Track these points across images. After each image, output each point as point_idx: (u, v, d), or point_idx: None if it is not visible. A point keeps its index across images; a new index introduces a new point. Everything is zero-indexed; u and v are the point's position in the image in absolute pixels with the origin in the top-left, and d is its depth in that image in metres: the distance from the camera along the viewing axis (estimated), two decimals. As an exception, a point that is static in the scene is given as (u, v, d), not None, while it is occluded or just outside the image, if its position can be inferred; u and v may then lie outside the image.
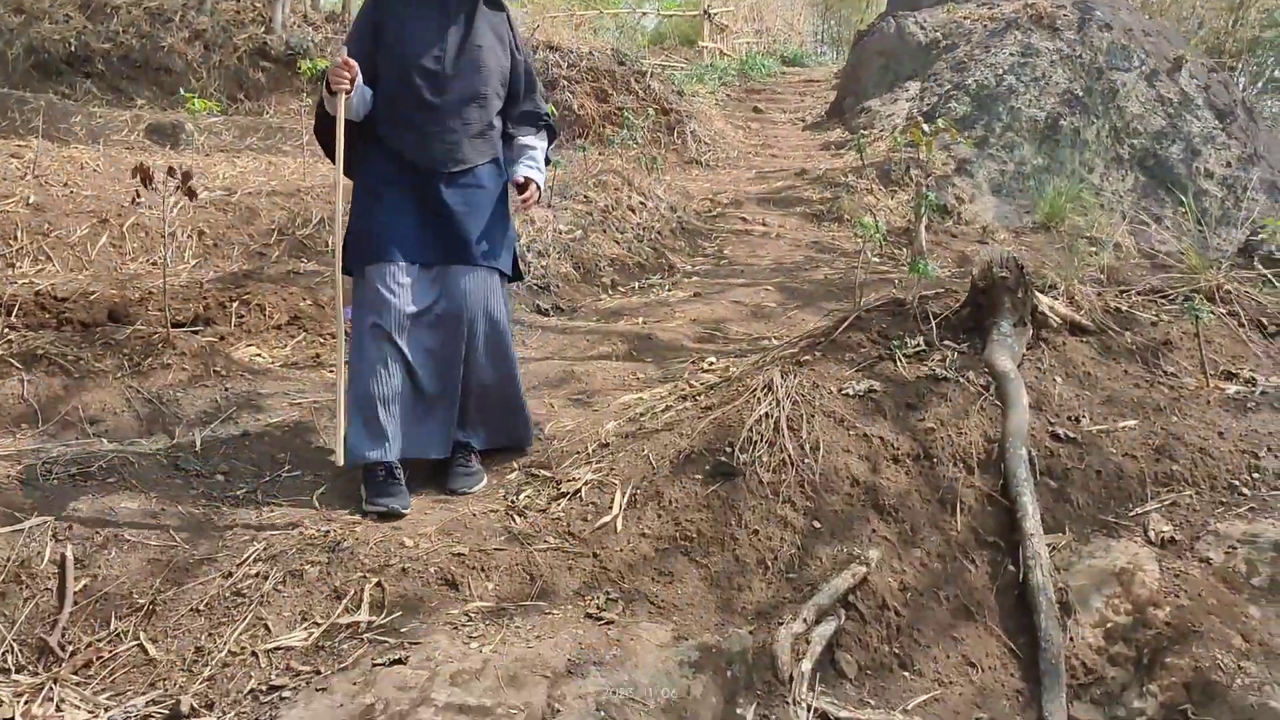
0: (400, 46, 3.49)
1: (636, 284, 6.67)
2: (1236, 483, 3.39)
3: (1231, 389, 3.84)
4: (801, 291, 6.38)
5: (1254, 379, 3.95)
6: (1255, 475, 3.40)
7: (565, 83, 11.34)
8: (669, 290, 6.52)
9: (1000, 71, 11.30)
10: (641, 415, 3.99)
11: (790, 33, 23.13)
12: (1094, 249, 8.07)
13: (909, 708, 2.77)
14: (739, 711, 2.64)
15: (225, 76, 10.66)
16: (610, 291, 6.49)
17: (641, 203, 7.86)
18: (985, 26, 12.07)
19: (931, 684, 2.87)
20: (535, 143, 3.82)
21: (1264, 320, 4.36)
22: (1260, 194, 10.80)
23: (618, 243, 7.02)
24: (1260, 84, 21.74)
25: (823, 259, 7.43)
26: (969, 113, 10.99)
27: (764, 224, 8.59)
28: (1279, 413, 3.65)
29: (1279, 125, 15.97)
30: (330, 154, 3.45)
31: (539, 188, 3.77)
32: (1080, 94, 11.10)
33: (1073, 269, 4.50)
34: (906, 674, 2.91)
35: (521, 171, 3.72)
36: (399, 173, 3.54)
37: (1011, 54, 11.46)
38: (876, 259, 7.08)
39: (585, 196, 7.32)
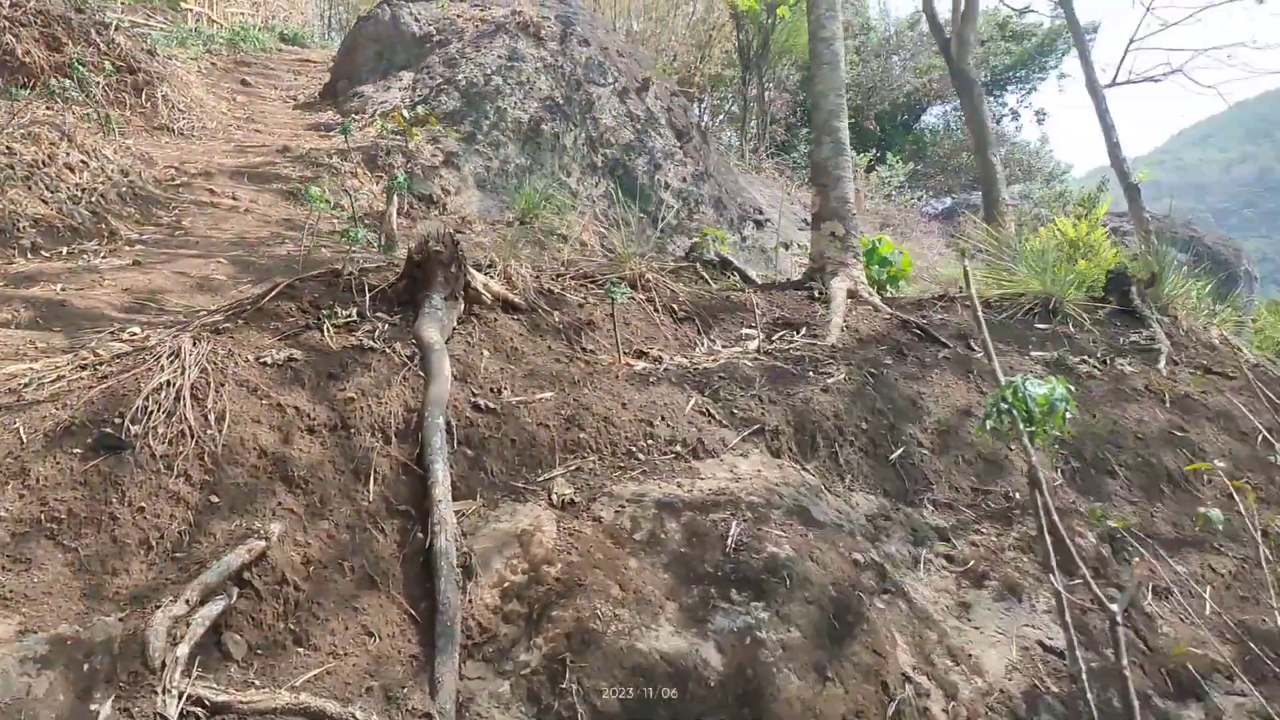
0: None
1: (65, 249, 5.87)
2: (634, 449, 3.68)
3: (639, 365, 4.19)
4: (259, 266, 6.01)
5: (660, 357, 4.35)
6: (650, 441, 3.71)
7: (8, 24, 9.82)
8: (104, 258, 5.82)
9: (489, 72, 11.63)
10: (25, 386, 3.46)
11: (291, 10, 22.14)
12: (561, 244, 8.55)
13: (297, 684, 2.63)
14: (93, 707, 2.34)
15: None
16: (30, 255, 5.64)
17: (84, 162, 6.96)
18: (476, 27, 12.36)
19: (326, 658, 2.75)
20: None
21: (676, 307, 4.83)
22: (708, 207, 12.18)
23: (46, 202, 6.14)
24: (721, 117, 24.79)
25: (291, 236, 7.09)
26: (459, 108, 11.20)
27: (234, 198, 8.03)
28: (675, 387, 4.03)
29: (731, 151, 18.21)
30: None
31: None
32: (561, 102, 11.75)
33: (510, 250, 4.66)
34: (301, 650, 2.77)
35: None
36: None
37: (500, 56, 11.85)
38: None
39: (8, 148, 6.32)
